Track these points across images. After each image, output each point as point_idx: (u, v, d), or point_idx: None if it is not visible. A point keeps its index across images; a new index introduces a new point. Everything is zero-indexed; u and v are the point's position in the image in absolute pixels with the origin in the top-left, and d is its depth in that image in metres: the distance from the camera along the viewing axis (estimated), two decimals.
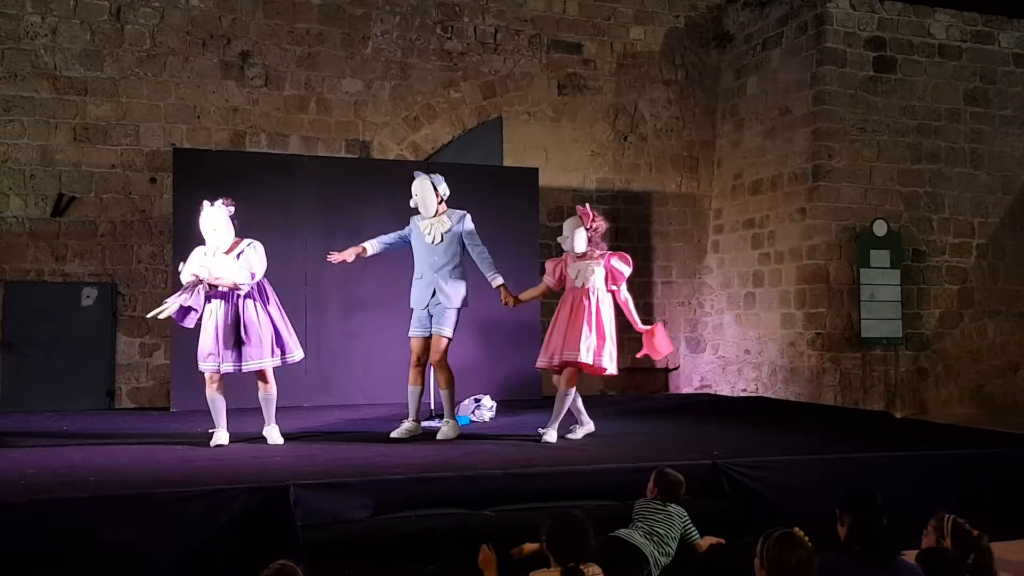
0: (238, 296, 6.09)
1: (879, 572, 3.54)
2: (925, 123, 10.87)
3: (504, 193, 9.57)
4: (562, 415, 6.41)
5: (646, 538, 4.43)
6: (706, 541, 4.68)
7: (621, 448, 6.17)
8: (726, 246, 11.89)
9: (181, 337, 7.85)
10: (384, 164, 10.12)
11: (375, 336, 9.01)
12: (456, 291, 6.48)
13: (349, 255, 6.65)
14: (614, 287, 6.44)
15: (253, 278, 6.13)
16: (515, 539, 4.31)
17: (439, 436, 6.48)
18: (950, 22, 11.03)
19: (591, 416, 6.71)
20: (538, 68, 11.30)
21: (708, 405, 9.71)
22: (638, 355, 6.73)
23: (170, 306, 5.94)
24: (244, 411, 6.80)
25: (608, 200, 11.57)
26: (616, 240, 11.59)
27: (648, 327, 6.50)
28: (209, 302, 6.03)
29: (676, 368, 11.85)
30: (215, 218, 6.13)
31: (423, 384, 6.68)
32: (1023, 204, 11.26)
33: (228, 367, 6.06)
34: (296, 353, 6.35)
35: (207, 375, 6.13)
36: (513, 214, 9.48)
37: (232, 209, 6.21)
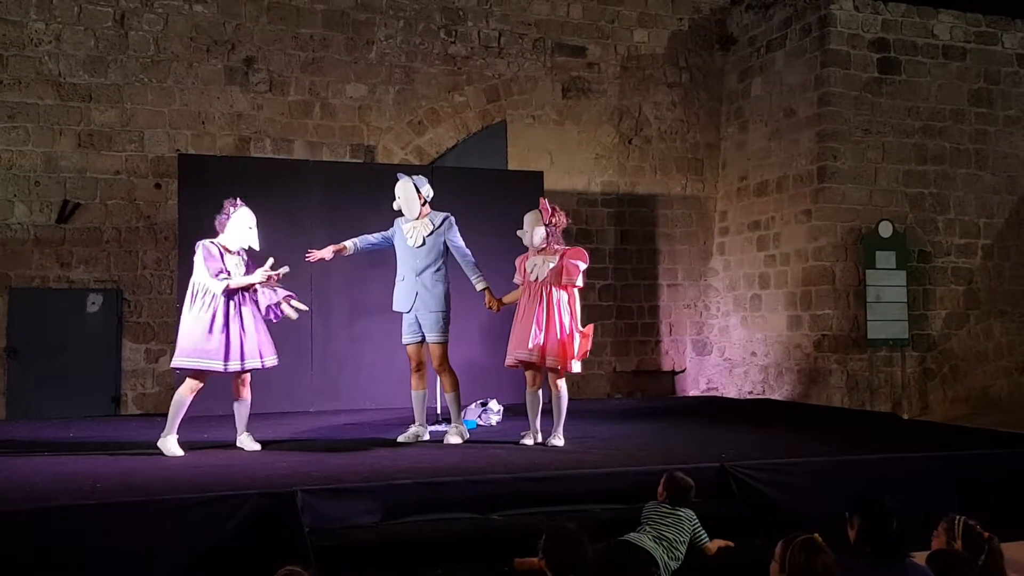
0: (243, 295, 6.09)
1: (889, 574, 3.53)
2: (930, 124, 10.85)
3: (509, 197, 9.54)
4: (563, 417, 6.38)
5: (656, 542, 4.41)
6: (715, 544, 4.67)
7: (629, 451, 6.14)
8: (732, 248, 11.88)
9: None
10: (389, 168, 10.10)
11: (381, 341, 8.98)
12: (438, 294, 6.44)
13: (327, 253, 6.63)
14: (567, 282, 6.29)
15: None
16: (523, 543, 4.29)
17: (446, 440, 6.46)
18: (953, 23, 11.01)
19: (595, 420, 6.67)
20: (542, 71, 11.30)
21: (715, 407, 9.68)
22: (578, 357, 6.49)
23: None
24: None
25: (613, 203, 11.57)
26: (621, 243, 11.61)
27: (583, 329, 6.42)
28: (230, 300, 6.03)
29: (683, 371, 11.83)
30: (252, 217, 6.24)
31: (426, 388, 6.66)
32: None
33: (236, 365, 6.01)
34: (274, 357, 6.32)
35: (197, 378, 5.98)
36: (518, 217, 9.36)
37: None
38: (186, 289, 6.18)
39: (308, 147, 10.35)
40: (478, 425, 7.58)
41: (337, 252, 6.65)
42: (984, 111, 11.07)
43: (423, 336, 6.47)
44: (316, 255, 6.62)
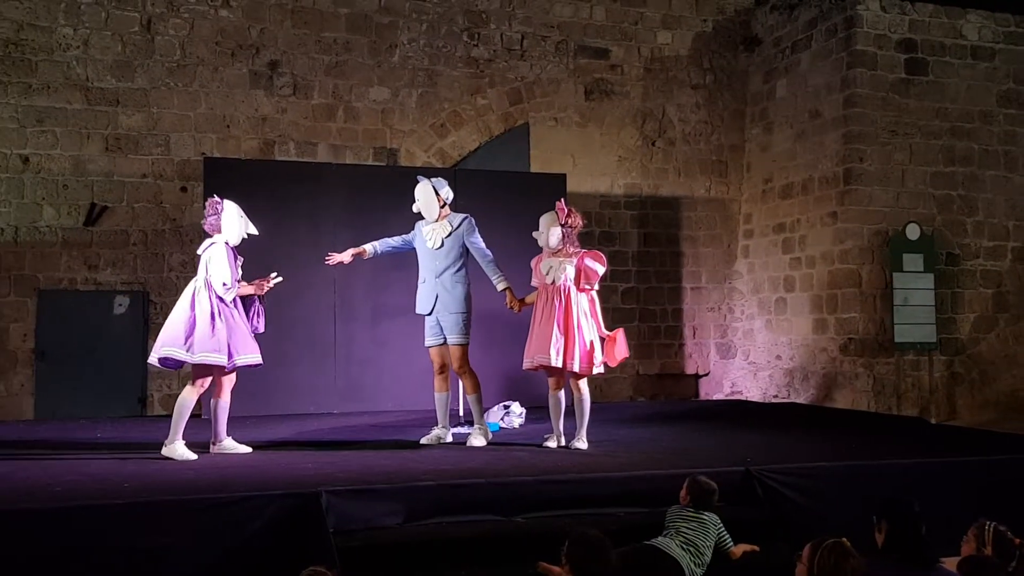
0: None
1: None
2: (958, 125, 10.73)
3: (531, 199, 9.53)
4: (587, 420, 6.36)
5: (683, 549, 4.38)
6: (740, 548, 4.64)
7: (652, 455, 6.12)
8: (756, 251, 11.80)
9: None
10: (411, 171, 10.13)
11: (403, 343, 9.00)
12: (458, 295, 6.43)
13: (347, 256, 6.64)
14: (587, 286, 6.27)
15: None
16: (547, 546, 4.27)
17: (469, 442, 6.46)
18: (982, 23, 10.88)
19: (619, 423, 6.64)
20: (565, 74, 11.29)
21: (739, 411, 9.62)
22: (599, 361, 6.43)
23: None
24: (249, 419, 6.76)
25: (636, 205, 11.54)
26: (644, 245, 11.57)
27: (610, 333, 6.37)
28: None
29: (706, 374, 11.76)
30: (238, 206, 6.20)
31: (449, 390, 6.67)
32: None
33: (247, 359, 6.01)
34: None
35: (205, 376, 5.97)
36: None
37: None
38: None
39: (331, 150, 10.40)
40: (500, 427, 7.58)
41: (356, 255, 6.68)
42: (1013, 112, 10.92)
43: (445, 338, 6.47)
44: (335, 258, 6.64)
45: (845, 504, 5.09)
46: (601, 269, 6.31)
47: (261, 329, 6.26)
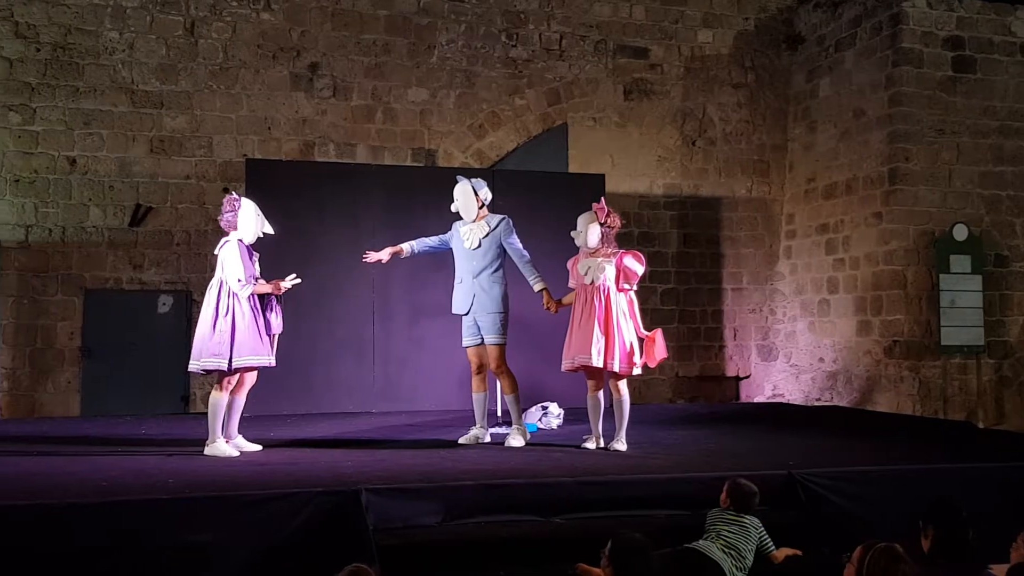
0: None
1: None
2: (1007, 124, 10.50)
3: (570, 200, 9.49)
4: (626, 421, 6.32)
5: (724, 552, 4.33)
6: (782, 552, 4.57)
7: (692, 457, 6.06)
8: (799, 251, 11.66)
9: None
10: (449, 172, 10.16)
11: (441, 343, 9.02)
12: (496, 295, 6.43)
13: (385, 255, 6.66)
14: (626, 286, 6.22)
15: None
16: (586, 548, 4.25)
17: (507, 442, 6.45)
18: None
19: (658, 425, 6.59)
20: (604, 73, 11.24)
21: (781, 414, 9.50)
22: (639, 362, 6.37)
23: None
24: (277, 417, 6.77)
25: (676, 206, 11.45)
26: (684, 246, 11.48)
27: (648, 333, 6.31)
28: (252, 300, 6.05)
29: (747, 377, 11.64)
30: (255, 205, 6.21)
31: (487, 390, 6.66)
32: None
33: (249, 361, 6.01)
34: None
35: (231, 377, 5.98)
36: None
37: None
38: None
39: (370, 151, 10.46)
40: (538, 428, 7.56)
41: (394, 254, 6.70)
42: None
43: (482, 338, 6.47)
44: (373, 256, 6.67)
45: (890, 509, 5.01)
46: (640, 269, 6.27)
47: (278, 329, 6.21)
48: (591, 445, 6.36)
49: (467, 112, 10.80)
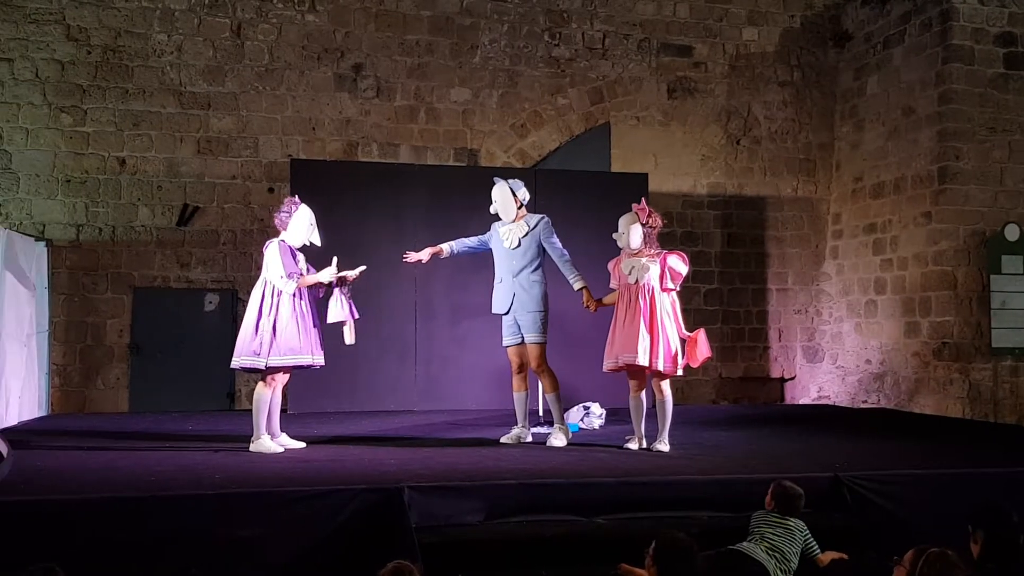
0: (301, 291, 6.18)
1: None
2: None
3: (612, 199, 9.44)
4: (669, 422, 6.28)
5: (768, 554, 4.29)
6: (828, 556, 4.51)
7: (736, 459, 6.00)
8: (845, 252, 11.49)
9: None
10: (491, 172, 10.17)
11: (483, 342, 9.04)
12: (536, 295, 6.43)
13: (425, 255, 6.68)
14: (670, 286, 6.17)
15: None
16: (628, 548, 4.23)
17: (549, 442, 6.45)
18: None
19: (701, 426, 6.53)
20: (647, 72, 11.18)
21: (827, 416, 9.37)
22: (682, 363, 6.31)
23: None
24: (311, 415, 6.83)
25: (720, 205, 11.35)
26: (728, 246, 11.37)
27: (691, 334, 6.25)
28: (296, 297, 6.10)
29: (792, 378, 11.50)
30: (312, 214, 6.29)
31: (527, 389, 6.66)
32: None
33: (320, 359, 6.13)
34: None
35: (274, 374, 6.07)
36: None
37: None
38: None
39: (413, 151, 10.52)
40: (580, 428, 7.54)
41: (434, 254, 6.73)
42: None
43: (523, 337, 6.48)
44: (413, 257, 6.71)
45: (938, 513, 4.91)
46: (684, 269, 6.24)
47: (339, 318, 6.24)
48: (633, 445, 6.33)
49: (509, 112, 10.81)
